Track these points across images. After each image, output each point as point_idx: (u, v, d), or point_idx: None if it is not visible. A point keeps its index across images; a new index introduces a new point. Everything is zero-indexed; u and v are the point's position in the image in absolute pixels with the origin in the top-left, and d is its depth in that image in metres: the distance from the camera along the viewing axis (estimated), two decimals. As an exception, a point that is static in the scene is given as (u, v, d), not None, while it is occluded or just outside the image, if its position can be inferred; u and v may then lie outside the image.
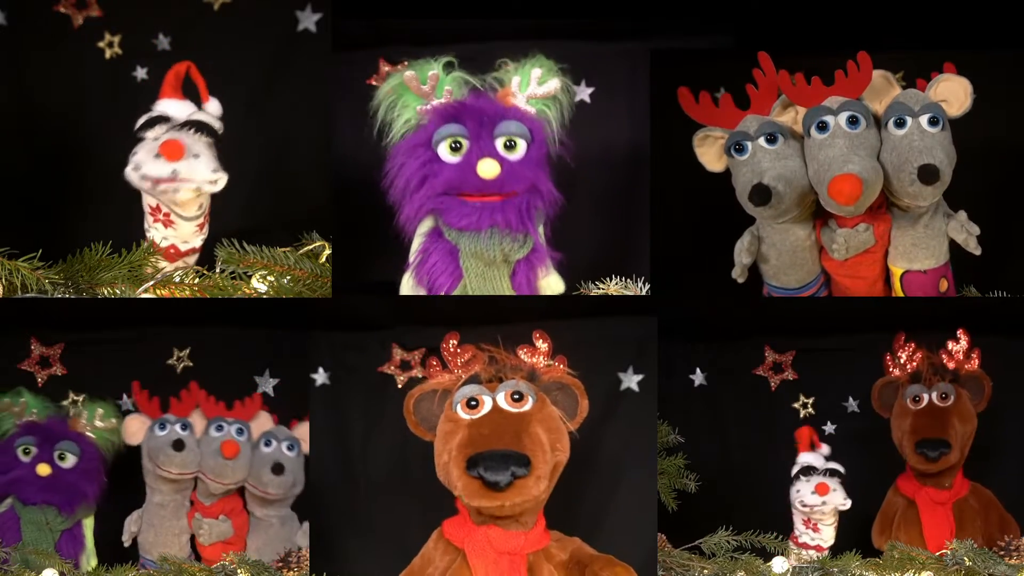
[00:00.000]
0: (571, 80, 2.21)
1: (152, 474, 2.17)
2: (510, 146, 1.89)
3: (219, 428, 2.17)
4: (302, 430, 2.24)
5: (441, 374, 1.91)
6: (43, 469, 2.05)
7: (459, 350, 1.91)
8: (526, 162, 1.90)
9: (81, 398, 2.27)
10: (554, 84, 1.95)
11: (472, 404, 1.83)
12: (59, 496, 2.05)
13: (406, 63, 1.99)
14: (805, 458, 2.18)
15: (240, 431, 2.18)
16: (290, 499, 2.22)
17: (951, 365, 2.21)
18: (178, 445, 2.13)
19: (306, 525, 2.21)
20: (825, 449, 2.20)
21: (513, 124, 1.90)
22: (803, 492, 2.14)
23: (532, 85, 1.95)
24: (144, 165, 1.92)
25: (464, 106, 1.91)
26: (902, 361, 2.23)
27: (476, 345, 1.91)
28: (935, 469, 2.16)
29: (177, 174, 1.92)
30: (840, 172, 1.90)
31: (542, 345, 1.92)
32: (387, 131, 1.95)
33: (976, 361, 2.21)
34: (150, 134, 1.95)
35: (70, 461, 2.08)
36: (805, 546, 2.14)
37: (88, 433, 2.14)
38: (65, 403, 2.26)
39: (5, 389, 2.17)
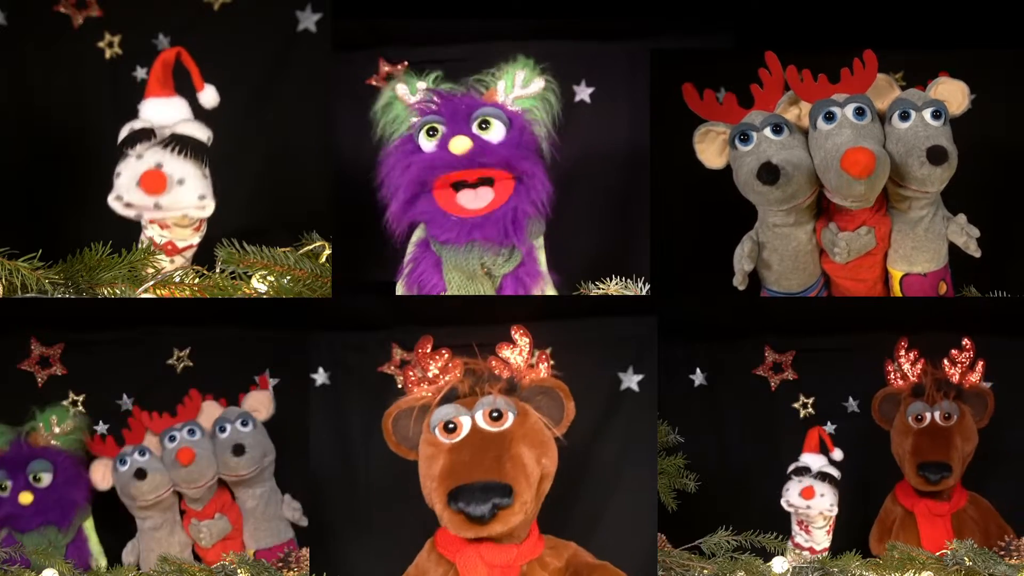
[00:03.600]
0: (571, 80, 2.22)
1: (133, 507, 2.16)
2: (484, 126, 1.88)
3: (171, 439, 2.17)
4: (250, 401, 2.25)
5: (418, 384, 1.86)
6: (25, 498, 2.03)
7: (434, 354, 1.86)
8: (505, 144, 1.88)
9: (33, 411, 2.19)
10: (538, 84, 1.95)
11: (450, 428, 1.79)
12: (52, 514, 2.04)
13: (406, 63, 1.99)
14: (805, 459, 2.17)
15: (191, 431, 2.18)
16: (267, 469, 2.22)
17: (955, 378, 2.18)
18: (140, 474, 2.12)
19: (288, 497, 2.23)
20: (837, 454, 2.17)
21: (489, 108, 1.90)
22: (791, 492, 2.13)
23: (516, 88, 1.95)
24: (126, 195, 1.90)
25: (444, 98, 1.92)
26: (905, 370, 2.21)
27: (452, 348, 1.86)
28: (935, 490, 2.15)
29: (160, 207, 1.90)
30: (853, 145, 1.90)
31: (522, 340, 1.86)
32: (383, 142, 1.96)
33: (980, 373, 2.19)
34: (133, 152, 1.91)
35: (46, 480, 2.07)
36: (799, 547, 2.14)
37: (53, 442, 2.12)
38: (30, 423, 2.16)
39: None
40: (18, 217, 2.28)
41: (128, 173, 1.90)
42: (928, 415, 2.17)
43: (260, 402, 2.25)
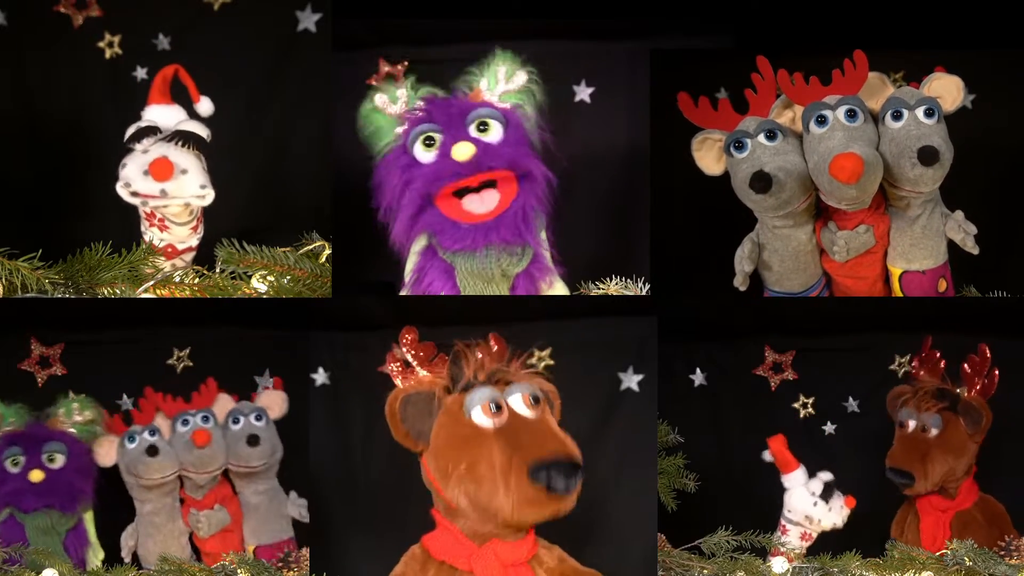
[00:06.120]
0: (571, 80, 2.22)
1: (136, 487, 2.16)
2: (483, 128, 1.87)
3: (184, 423, 2.17)
4: (264, 398, 2.25)
5: (407, 374, 1.84)
6: (36, 475, 2.03)
7: (420, 347, 1.83)
8: (505, 143, 1.86)
9: (59, 398, 2.20)
10: (521, 77, 1.95)
11: (495, 409, 1.73)
12: (58, 497, 2.04)
13: (406, 63, 1.99)
14: (800, 477, 2.15)
15: (205, 418, 2.18)
16: (273, 467, 2.23)
17: (974, 385, 2.17)
18: (152, 451, 2.12)
19: (294, 494, 2.23)
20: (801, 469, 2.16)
21: (484, 109, 1.88)
22: (833, 513, 2.12)
23: (501, 84, 1.94)
24: (134, 183, 1.94)
25: (434, 104, 1.90)
26: (926, 371, 2.21)
27: (438, 342, 1.85)
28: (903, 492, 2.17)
29: (166, 193, 1.94)
30: (841, 152, 1.90)
31: (495, 347, 1.85)
32: (371, 154, 1.95)
33: (979, 387, 2.17)
34: (139, 146, 1.96)
35: (60, 461, 2.06)
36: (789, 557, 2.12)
37: (70, 430, 2.12)
38: (50, 407, 2.17)
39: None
40: (18, 217, 2.28)
41: (135, 164, 1.95)
42: (911, 423, 2.17)
43: (274, 401, 2.26)
